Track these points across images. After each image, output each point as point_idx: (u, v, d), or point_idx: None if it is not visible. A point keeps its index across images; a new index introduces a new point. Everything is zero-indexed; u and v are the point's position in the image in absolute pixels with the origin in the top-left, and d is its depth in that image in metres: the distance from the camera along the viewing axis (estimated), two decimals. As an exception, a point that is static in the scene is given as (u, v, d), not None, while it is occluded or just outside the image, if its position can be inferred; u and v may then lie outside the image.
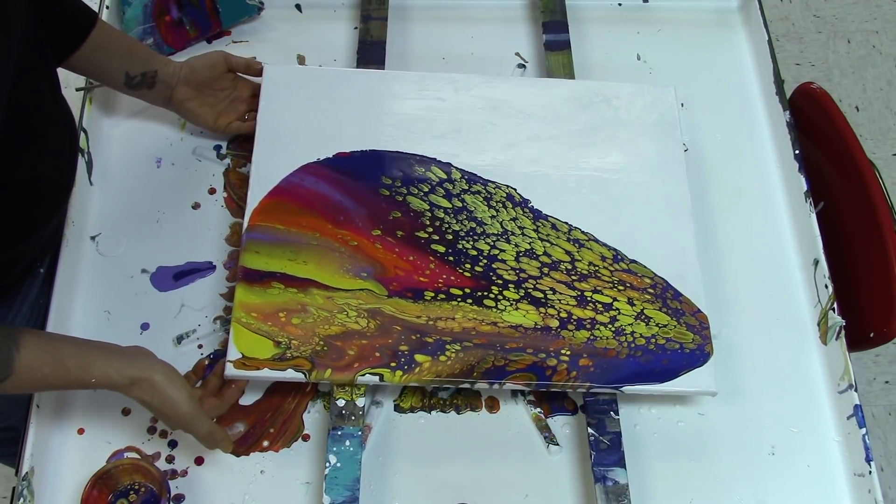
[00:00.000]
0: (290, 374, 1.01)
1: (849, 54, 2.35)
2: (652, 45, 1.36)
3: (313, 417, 1.06)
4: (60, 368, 0.89)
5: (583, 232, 1.12)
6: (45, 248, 1.07)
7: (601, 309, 1.07)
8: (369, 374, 1.01)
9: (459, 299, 1.06)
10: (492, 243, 1.10)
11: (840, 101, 2.10)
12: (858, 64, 2.33)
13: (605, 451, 1.02)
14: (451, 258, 1.09)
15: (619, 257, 1.11)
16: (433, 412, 1.07)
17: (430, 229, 1.11)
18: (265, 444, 1.04)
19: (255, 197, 1.10)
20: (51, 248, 1.09)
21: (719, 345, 1.12)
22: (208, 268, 1.14)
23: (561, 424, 1.07)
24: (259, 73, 1.19)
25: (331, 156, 1.14)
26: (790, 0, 2.42)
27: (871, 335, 1.16)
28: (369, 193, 1.12)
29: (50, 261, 1.10)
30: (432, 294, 1.06)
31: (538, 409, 1.08)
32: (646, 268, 1.10)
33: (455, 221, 1.11)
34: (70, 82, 1.20)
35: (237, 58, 1.19)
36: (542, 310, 1.07)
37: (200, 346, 1.09)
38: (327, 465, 0.99)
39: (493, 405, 1.08)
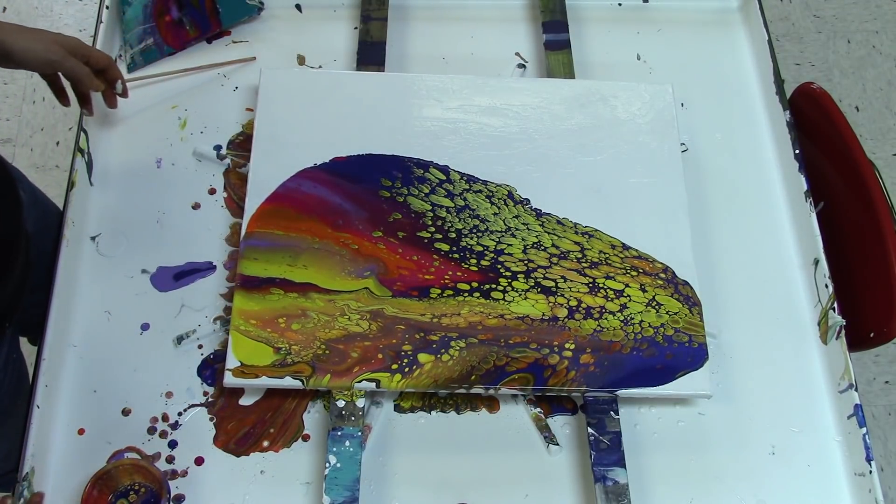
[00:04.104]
0: (288, 382, 1.02)
1: (849, 54, 2.35)
2: (652, 45, 1.36)
3: (313, 417, 1.06)
4: None
5: (585, 227, 1.12)
6: (9, 304, 1.06)
7: (612, 296, 1.08)
8: (366, 380, 1.01)
9: (467, 294, 1.07)
10: (497, 239, 1.10)
11: (840, 101, 2.10)
12: (858, 64, 2.33)
13: (605, 451, 1.02)
14: (455, 255, 1.09)
15: (627, 246, 1.11)
16: (433, 412, 1.07)
17: (433, 229, 1.11)
18: (265, 444, 1.04)
19: (252, 204, 1.10)
20: (18, 303, 1.07)
21: (719, 344, 1.12)
22: (208, 268, 1.14)
23: (561, 424, 1.07)
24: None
25: (328, 160, 1.14)
26: (790, 0, 2.42)
27: (871, 335, 1.16)
28: (369, 196, 1.12)
29: (18, 316, 1.08)
30: (439, 291, 1.06)
31: (538, 409, 1.08)
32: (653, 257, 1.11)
33: (458, 220, 1.11)
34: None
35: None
36: (551, 299, 1.07)
37: (200, 347, 1.09)
38: (327, 465, 0.99)
39: (492, 405, 1.08)
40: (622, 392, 1.04)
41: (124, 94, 1.17)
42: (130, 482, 0.99)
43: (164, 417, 1.04)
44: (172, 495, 1.00)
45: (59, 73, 1.07)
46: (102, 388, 1.06)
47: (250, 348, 1.02)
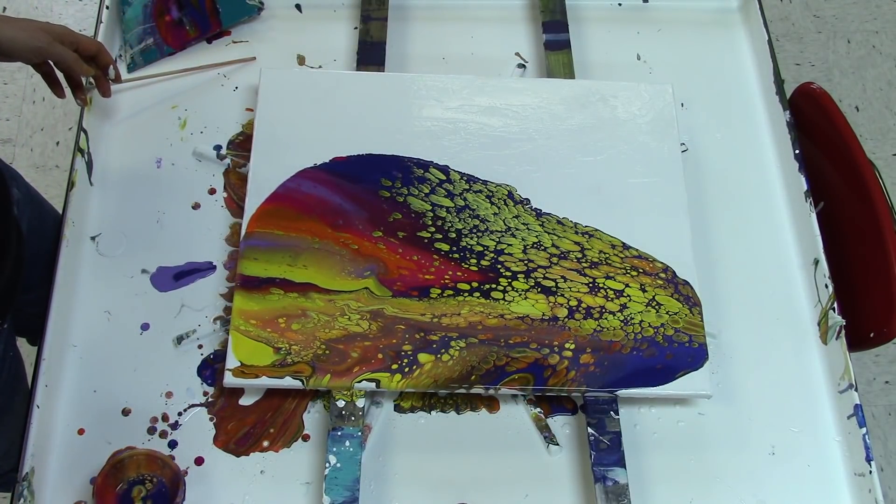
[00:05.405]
0: (288, 382, 1.02)
1: (849, 54, 2.35)
2: (652, 45, 1.36)
3: (313, 417, 1.06)
4: None
5: (586, 226, 1.12)
6: (2, 301, 1.05)
7: (612, 296, 1.08)
8: (366, 380, 1.02)
9: (467, 294, 1.07)
10: (497, 239, 1.10)
11: (840, 101, 2.10)
12: (858, 64, 2.33)
13: (605, 451, 1.02)
14: (455, 255, 1.09)
15: (627, 246, 1.11)
16: (433, 412, 1.07)
17: (433, 228, 1.11)
18: (265, 444, 1.04)
19: (252, 204, 1.10)
20: (10, 299, 1.07)
21: (719, 344, 1.12)
22: (208, 268, 1.14)
23: (561, 424, 1.07)
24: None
25: (328, 160, 1.14)
26: (790, 0, 2.42)
27: (871, 335, 1.16)
28: (369, 196, 1.12)
29: (11, 315, 1.08)
30: (439, 291, 1.07)
31: (538, 409, 1.08)
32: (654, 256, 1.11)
33: (458, 220, 1.11)
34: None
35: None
36: (551, 299, 1.07)
37: (200, 347, 1.09)
38: (327, 465, 0.99)
39: (492, 405, 1.08)
40: (622, 392, 1.04)
41: (117, 79, 1.16)
42: (138, 474, 0.99)
43: (164, 417, 1.04)
44: (172, 495, 1.00)
45: (51, 63, 1.06)
46: (102, 388, 1.06)
47: (250, 348, 1.03)
